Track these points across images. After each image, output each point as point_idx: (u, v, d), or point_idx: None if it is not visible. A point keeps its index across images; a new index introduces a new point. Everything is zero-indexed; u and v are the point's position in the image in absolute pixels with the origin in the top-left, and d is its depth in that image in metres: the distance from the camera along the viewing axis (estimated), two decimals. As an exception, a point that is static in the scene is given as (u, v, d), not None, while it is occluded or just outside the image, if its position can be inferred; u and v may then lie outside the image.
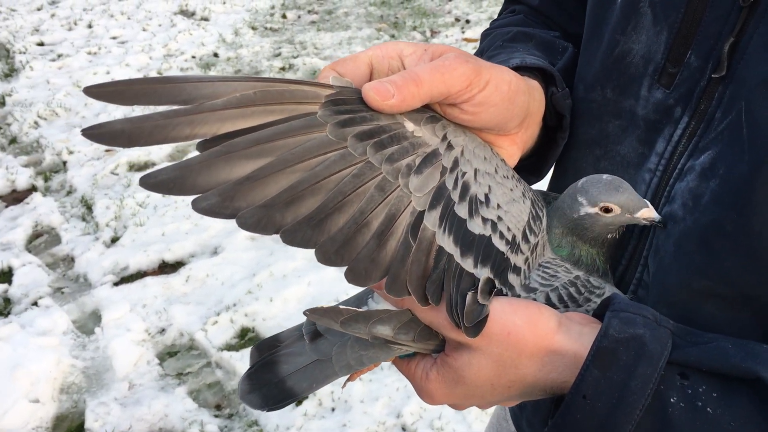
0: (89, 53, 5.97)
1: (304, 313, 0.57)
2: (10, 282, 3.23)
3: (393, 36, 6.32)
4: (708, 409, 0.50)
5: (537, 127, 0.72)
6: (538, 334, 0.55)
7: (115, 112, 4.86)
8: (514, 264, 0.58)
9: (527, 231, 0.60)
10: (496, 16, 0.94)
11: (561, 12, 0.86)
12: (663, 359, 0.51)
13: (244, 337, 2.87)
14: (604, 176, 0.62)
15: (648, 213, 0.61)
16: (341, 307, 0.57)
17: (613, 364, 0.51)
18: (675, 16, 0.61)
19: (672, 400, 0.50)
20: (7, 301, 3.13)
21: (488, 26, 0.92)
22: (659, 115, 0.63)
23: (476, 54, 0.85)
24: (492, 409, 1.31)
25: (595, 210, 0.62)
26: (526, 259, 0.60)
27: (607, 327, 0.52)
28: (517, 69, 0.69)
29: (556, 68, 0.75)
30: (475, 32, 6.27)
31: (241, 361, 2.70)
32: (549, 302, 0.60)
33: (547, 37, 0.82)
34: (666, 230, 0.62)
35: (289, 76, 5.54)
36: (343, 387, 0.64)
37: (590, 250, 0.64)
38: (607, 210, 0.61)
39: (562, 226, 0.64)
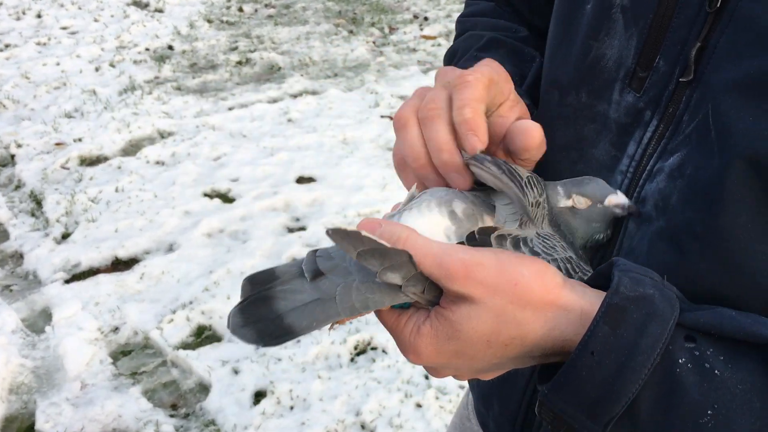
0: (38, 44, 5.80)
1: (327, 231, 0.54)
2: (-46, 279, 3.13)
3: (351, 32, 6.30)
4: (716, 371, 0.50)
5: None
6: (545, 287, 0.53)
7: (66, 104, 4.74)
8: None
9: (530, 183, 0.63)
10: (454, 14, 0.96)
11: (528, 6, 0.88)
12: (672, 320, 0.50)
13: (201, 335, 2.83)
14: (581, 177, 0.65)
15: (615, 199, 0.62)
16: (363, 234, 0.54)
17: (623, 322, 0.50)
18: (644, 22, 0.62)
19: (680, 360, 0.50)
20: (-48, 299, 3.02)
21: (462, 14, 0.94)
22: (630, 118, 0.64)
23: (449, 52, 0.87)
24: (457, 406, 1.30)
25: (570, 202, 0.64)
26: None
27: (618, 284, 0.51)
28: None
29: (526, 84, 0.79)
30: (434, 29, 6.29)
31: (198, 360, 2.66)
32: None
33: (517, 44, 0.84)
34: (640, 231, 0.63)
35: (246, 70, 5.47)
36: (330, 329, 0.61)
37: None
38: (579, 202, 0.63)
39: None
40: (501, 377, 0.81)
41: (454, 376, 0.60)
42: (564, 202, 0.64)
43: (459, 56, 0.85)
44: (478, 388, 0.91)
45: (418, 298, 0.56)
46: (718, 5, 0.56)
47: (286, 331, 0.56)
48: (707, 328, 0.51)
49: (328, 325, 0.58)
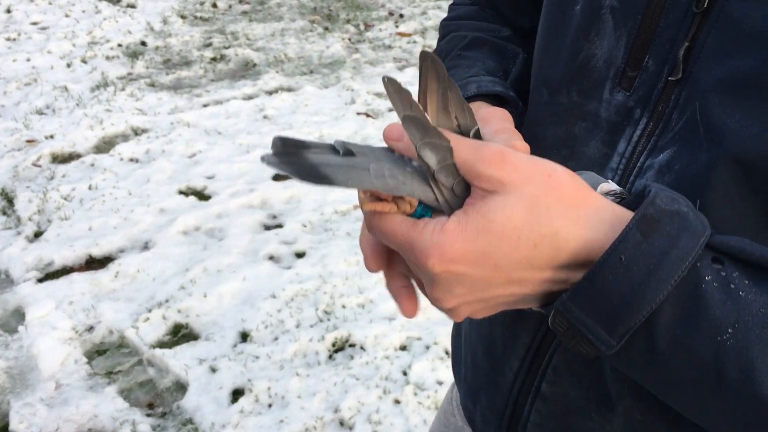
0: (8, 39, 5.71)
1: (383, 78, 0.52)
2: (-76, 279, 3.07)
3: (326, 28, 6.28)
4: (741, 292, 0.49)
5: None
6: (578, 185, 0.51)
7: (37, 101, 4.67)
8: None
9: None
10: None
11: (512, 7, 0.89)
12: (705, 237, 0.50)
13: (177, 333, 2.81)
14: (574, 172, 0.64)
15: (607, 186, 0.61)
16: (414, 99, 0.52)
17: (656, 232, 0.49)
18: (633, 23, 0.63)
19: (707, 278, 0.49)
20: None
21: (445, 18, 0.94)
22: (620, 117, 0.65)
23: (434, 52, 0.87)
24: (441, 400, 1.30)
25: None
26: None
27: (654, 196, 0.50)
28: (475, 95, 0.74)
29: (510, 79, 0.80)
30: (409, 26, 6.30)
31: (174, 358, 2.64)
32: None
33: (500, 42, 0.85)
34: None
35: (220, 67, 5.43)
36: (360, 203, 0.57)
37: None
38: None
39: None
40: (488, 371, 0.82)
41: (469, 308, 0.54)
42: None
43: (443, 57, 0.86)
44: (465, 383, 0.91)
45: (446, 194, 0.53)
46: (705, 6, 0.57)
47: (324, 178, 0.53)
48: (735, 252, 0.51)
49: (361, 191, 0.56)
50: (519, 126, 0.75)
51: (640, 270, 0.49)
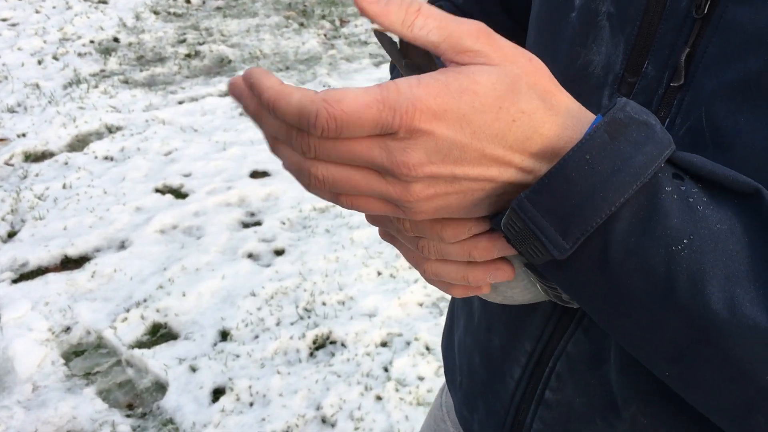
0: (-24, 35, 5.60)
1: (374, 31, 0.53)
2: None
3: (302, 24, 6.25)
4: (699, 206, 0.49)
5: None
6: (551, 76, 0.51)
7: (8, 99, 4.59)
8: None
9: None
10: None
11: (483, 13, 0.89)
12: (669, 150, 0.49)
13: (156, 333, 2.79)
14: None
15: None
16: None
17: (623, 136, 0.48)
18: (631, 29, 0.62)
19: (667, 188, 0.49)
20: None
21: None
22: None
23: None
24: (431, 408, 1.29)
25: None
26: None
27: (625, 104, 0.50)
28: None
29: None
30: (384, 22, 6.28)
31: (154, 358, 2.62)
32: None
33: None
34: None
35: (195, 63, 5.39)
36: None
37: None
38: None
39: None
40: (487, 379, 0.81)
41: (434, 189, 0.49)
42: None
43: None
44: (460, 390, 0.90)
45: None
46: (705, 12, 0.57)
47: None
48: (696, 169, 0.51)
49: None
50: None
51: (604, 170, 0.48)
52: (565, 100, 0.51)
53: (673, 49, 0.60)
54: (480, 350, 0.83)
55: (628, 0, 0.63)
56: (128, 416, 2.45)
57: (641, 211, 0.49)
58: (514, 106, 0.48)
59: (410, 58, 0.57)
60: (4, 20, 5.97)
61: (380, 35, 0.55)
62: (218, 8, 6.66)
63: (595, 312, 0.54)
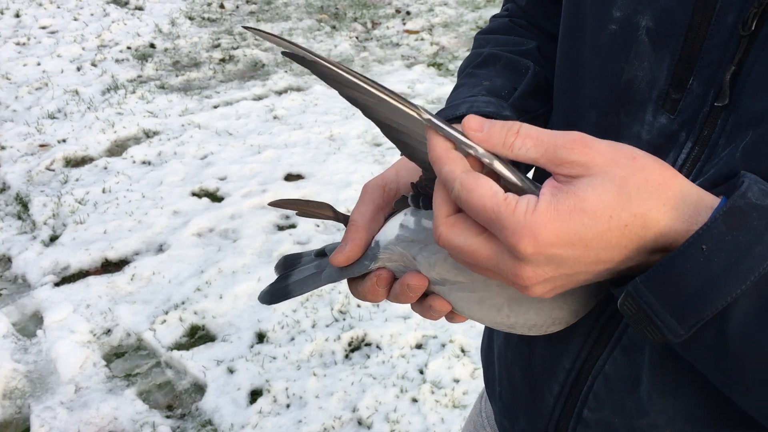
0: (18, 44, 5.74)
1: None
2: (-58, 285, 3.10)
3: (334, 27, 6.28)
4: None
5: None
6: (662, 167, 0.51)
7: (48, 105, 4.70)
8: None
9: None
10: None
11: (544, 15, 0.89)
12: None
13: (194, 335, 2.83)
14: None
15: None
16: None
17: (742, 226, 0.48)
18: (675, 44, 0.61)
19: None
20: (-60, 304, 2.99)
21: (479, 31, 0.96)
22: (664, 140, 0.63)
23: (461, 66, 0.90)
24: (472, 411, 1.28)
25: None
26: None
27: (746, 189, 0.49)
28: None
29: (516, 95, 0.81)
30: (416, 24, 6.29)
31: (192, 360, 2.66)
32: None
33: (514, 58, 0.85)
34: None
35: (229, 67, 5.45)
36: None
37: None
38: None
39: None
40: (527, 393, 0.81)
41: (550, 284, 0.54)
42: None
43: (460, 71, 0.89)
44: (500, 401, 0.90)
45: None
46: (752, 29, 0.55)
47: (285, 294, 0.77)
48: None
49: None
50: None
51: (721, 263, 0.48)
52: (680, 188, 0.51)
53: (719, 67, 0.58)
54: (521, 365, 0.83)
55: (670, 14, 0.61)
56: (168, 417, 2.49)
57: (760, 302, 0.48)
58: (625, 212, 0.49)
59: None
60: (43, 28, 6.11)
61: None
62: (251, 13, 6.72)
63: (713, 380, 0.55)
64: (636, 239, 0.50)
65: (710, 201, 0.51)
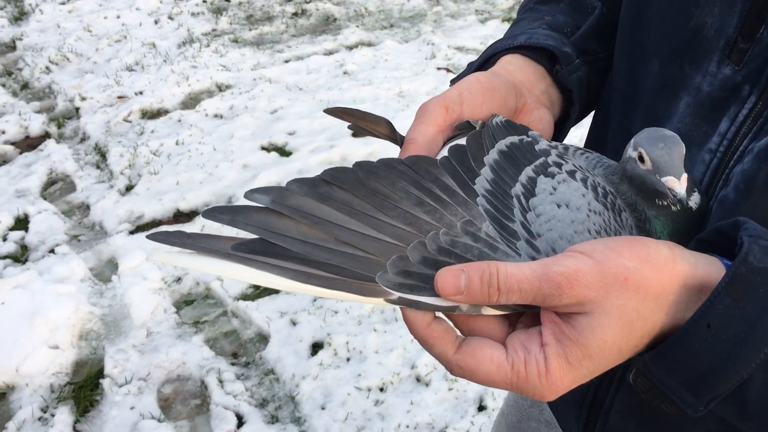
0: (99, -4, 5.89)
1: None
2: (26, 229, 3.26)
3: (407, -19, 6.18)
4: None
5: (547, 97, 0.76)
6: (658, 270, 0.48)
7: (127, 57, 4.82)
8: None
9: None
10: None
11: None
12: None
13: (259, 287, 2.89)
14: (666, 130, 0.57)
15: (672, 182, 0.54)
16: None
17: (748, 295, 0.46)
18: None
19: None
20: (24, 248, 3.16)
21: None
22: (726, 92, 0.60)
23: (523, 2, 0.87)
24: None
25: (635, 154, 0.57)
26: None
27: (747, 253, 0.47)
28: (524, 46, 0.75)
29: (579, 34, 0.77)
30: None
31: (257, 311, 2.73)
32: None
33: None
34: (718, 213, 0.59)
35: (301, 22, 5.45)
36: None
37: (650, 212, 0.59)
38: (641, 158, 0.57)
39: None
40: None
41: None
42: (630, 153, 0.58)
43: (521, 7, 0.86)
44: None
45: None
46: None
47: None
48: None
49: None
50: (585, 89, 0.76)
51: (730, 338, 0.46)
52: (681, 283, 0.48)
53: None
54: None
55: None
56: (233, 364, 2.57)
57: None
58: (632, 338, 0.49)
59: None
60: (123, -19, 6.23)
61: None
62: (325, -34, 6.67)
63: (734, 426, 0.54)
64: (643, 345, 0.50)
65: (715, 275, 0.49)
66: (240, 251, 0.51)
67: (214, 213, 0.52)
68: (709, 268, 0.49)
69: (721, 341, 0.46)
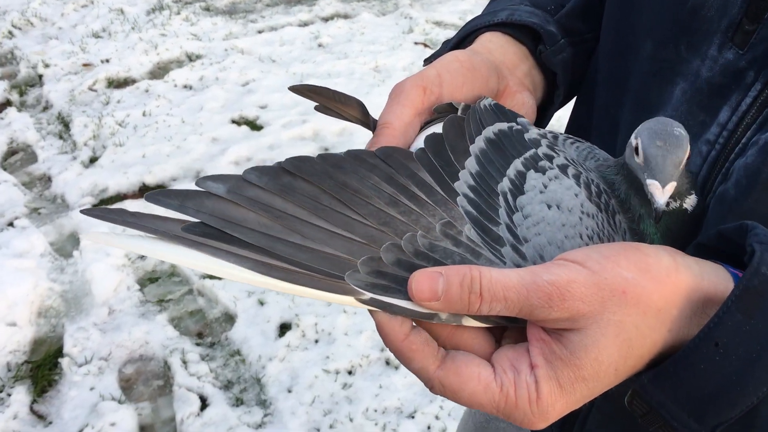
0: (65, -41, 5.67)
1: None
2: (-16, 201, 3.14)
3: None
4: None
5: (529, 80, 0.72)
6: (660, 282, 0.43)
7: (93, 23, 4.65)
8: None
9: None
10: None
11: None
12: None
13: (227, 264, 2.82)
14: (676, 128, 0.51)
15: (654, 188, 0.49)
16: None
17: (760, 310, 0.41)
18: None
19: None
20: (-18, 220, 3.04)
21: None
22: (727, 78, 0.54)
23: None
24: None
25: (633, 142, 0.52)
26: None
27: (759, 263, 0.42)
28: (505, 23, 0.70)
29: (563, 12, 0.72)
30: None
31: (224, 290, 2.66)
32: None
33: None
34: (717, 210, 0.54)
35: (276, -9, 5.31)
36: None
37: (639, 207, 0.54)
38: (636, 150, 0.52)
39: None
40: None
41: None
42: (632, 137, 0.53)
43: None
44: None
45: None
46: None
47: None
48: None
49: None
50: (565, 69, 0.71)
51: (741, 357, 0.41)
52: (685, 296, 0.43)
53: None
54: None
55: None
56: (198, 344, 2.51)
57: None
58: (630, 358, 0.44)
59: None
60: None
61: None
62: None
63: None
64: (642, 364, 0.46)
65: (722, 286, 0.44)
66: (191, 234, 0.46)
67: (159, 197, 0.46)
68: (715, 279, 0.44)
69: (731, 362, 0.41)
